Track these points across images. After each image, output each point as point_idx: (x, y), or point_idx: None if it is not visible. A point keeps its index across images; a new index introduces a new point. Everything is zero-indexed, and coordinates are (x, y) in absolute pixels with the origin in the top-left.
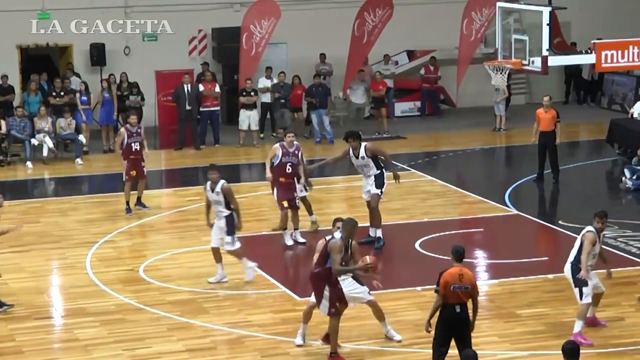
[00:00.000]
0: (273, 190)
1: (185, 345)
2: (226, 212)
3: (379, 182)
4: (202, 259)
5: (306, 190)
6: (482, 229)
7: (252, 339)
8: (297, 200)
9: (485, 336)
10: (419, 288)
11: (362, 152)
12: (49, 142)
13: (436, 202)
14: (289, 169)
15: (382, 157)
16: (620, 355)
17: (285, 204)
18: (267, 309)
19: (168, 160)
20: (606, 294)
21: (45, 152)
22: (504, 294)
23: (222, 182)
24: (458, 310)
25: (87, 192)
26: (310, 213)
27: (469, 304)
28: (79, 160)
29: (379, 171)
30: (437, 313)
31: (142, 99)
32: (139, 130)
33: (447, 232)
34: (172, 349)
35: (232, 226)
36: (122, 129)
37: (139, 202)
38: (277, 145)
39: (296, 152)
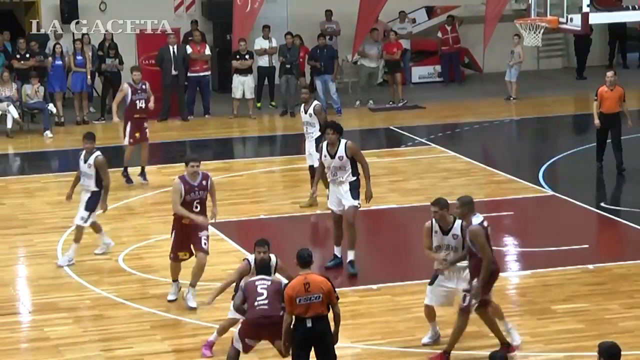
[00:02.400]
0: (172, 232)
1: (172, 346)
2: (94, 189)
3: (356, 191)
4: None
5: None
6: (512, 213)
7: None
8: (205, 244)
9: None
10: None
11: (341, 151)
12: (13, 112)
13: (459, 181)
14: (196, 207)
15: (361, 165)
16: None
17: (182, 255)
18: None
19: (150, 132)
20: None
21: (9, 124)
22: (537, 287)
23: (96, 153)
24: (309, 324)
25: (58, 170)
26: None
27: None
28: (48, 132)
29: (354, 178)
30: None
31: (121, 62)
32: (143, 87)
33: None
34: (156, 349)
35: (94, 203)
36: (125, 85)
37: (142, 172)
38: (177, 180)
39: (203, 182)
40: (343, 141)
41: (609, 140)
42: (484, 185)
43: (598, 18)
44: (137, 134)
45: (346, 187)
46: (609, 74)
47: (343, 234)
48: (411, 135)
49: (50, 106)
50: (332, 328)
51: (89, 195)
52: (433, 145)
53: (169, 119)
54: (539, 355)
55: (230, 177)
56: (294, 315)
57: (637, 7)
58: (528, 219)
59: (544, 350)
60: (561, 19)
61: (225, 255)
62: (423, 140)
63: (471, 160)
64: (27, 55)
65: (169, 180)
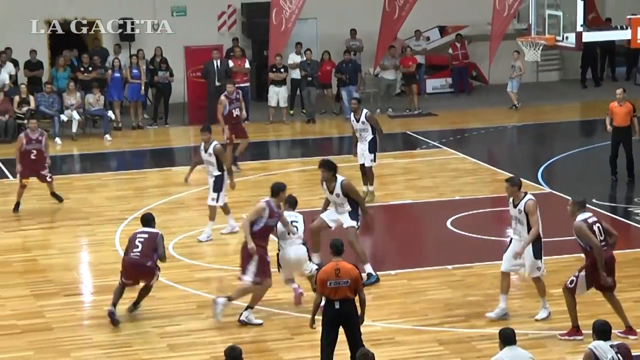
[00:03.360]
0: (246, 264)
1: (215, 323)
2: (217, 173)
3: (354, 215)
4: (232, 236)
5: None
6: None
7: (282, 317)
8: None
9: (516, 315)
10: (450, 266)
11: (337, 189)
12: (76, 116)
13: (467, 179)
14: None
15: (357, 201)
16: None
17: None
18: None
19: (197, 136)
20: (639, 274)
21: (74, 128)
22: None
23: (214, 143)
24: (337, 306)
25: (116, 169)
26: (371, 184)
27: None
28: (107, 136)
29: (352, 208)
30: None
31: (171, 74)
32: (237, 97)
33: (478, 210)
34: (201, 326)
35: (219, 184)
36: (223, 97)
37: (234, 161)
38: (264, 204)
39: (279, 212)
40: (340, 179)
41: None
42: (489, 184)
43: (590, 37)
44: (234, 136)
45: (346, 216)
46: (619, 91)
47: (319, 243)
48: (425, 139)
49: (110, 113)
50: (359, 311)
51: (213, 179)
52: (444, 148)
53: (213, 125)
54: (537, 332)
55: (266, 175)
56: (325, 297)
57: (624, 27)
58: None
59: (542, 328)
60: (558, 37)
61: None
62: (435, 144)
63: (478, 161)
64: (90, 69)
65: None
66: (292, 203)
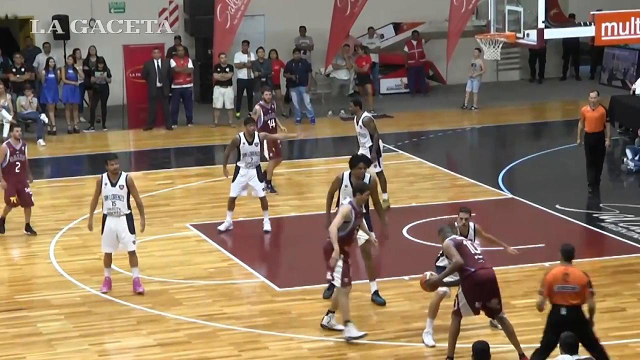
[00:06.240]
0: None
1: (157, 340)
2: (258, 163)
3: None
4: (174, 246)
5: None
6: (474, 214)
7: (228, 332)
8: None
9: (477, 328)
10: (406, 277)
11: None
12: (6, 115)
13: (424, 185)
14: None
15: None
16: (622, 347)
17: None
18: (244, 300)
19: (137, 141)
20: (607, 283)
21: (5, 133)
22: (498, 284)
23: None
24: (564, 312)
25: (50, 176)
26: (384, 190)
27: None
28: (41, 141)
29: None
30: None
31: (109, 75)
32: (273, 107)
33: (436, 218)
34: (142, 343)
35: (262, 176)
36: (257, 107)
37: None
38: (349, 206)
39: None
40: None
41: None
42: (447, 189)
43: (552, 33)
44: (274, 148)
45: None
46: (592, 94)
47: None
48: (380, 143)
49: (43, 116)
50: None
51: (255, 170)
52: (400, 151)
53: (154, 128)
54: (499, 347)
55: (211, 182)
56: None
57: (588, 23)
58: (489, 220)
59: (505, 342)
60: (518, 35)
61: (207, 255)
62: (391, 147)
63: (435, 166)
64: (22, 70)
65: (154, 185)
66: None
